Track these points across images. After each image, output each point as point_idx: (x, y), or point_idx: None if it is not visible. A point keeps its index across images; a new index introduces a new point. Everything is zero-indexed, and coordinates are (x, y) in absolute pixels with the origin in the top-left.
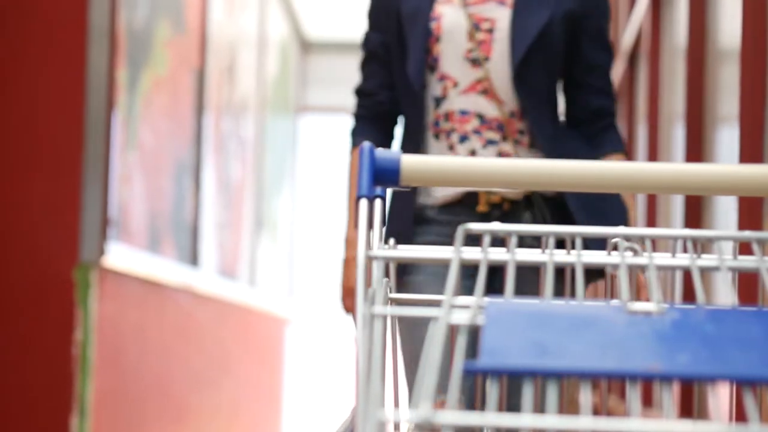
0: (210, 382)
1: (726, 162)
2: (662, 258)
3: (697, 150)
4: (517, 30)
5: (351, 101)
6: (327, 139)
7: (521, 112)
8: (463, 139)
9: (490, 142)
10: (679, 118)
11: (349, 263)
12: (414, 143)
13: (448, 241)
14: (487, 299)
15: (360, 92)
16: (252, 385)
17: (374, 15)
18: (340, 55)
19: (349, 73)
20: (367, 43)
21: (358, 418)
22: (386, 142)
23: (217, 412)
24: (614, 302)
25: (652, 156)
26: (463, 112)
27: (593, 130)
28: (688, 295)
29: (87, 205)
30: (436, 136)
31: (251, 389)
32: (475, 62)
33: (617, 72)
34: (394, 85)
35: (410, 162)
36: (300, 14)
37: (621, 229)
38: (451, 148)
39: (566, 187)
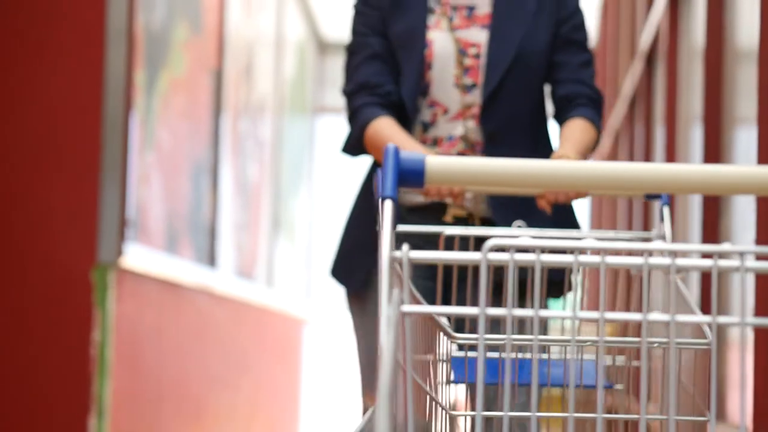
0: (227, 382)
1: (744, 163)
2: (683, 260)
3: (715, 151)
4: (492, 55)
5: None
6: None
7: (497, 138)
8: None
9: None
10: (697, 119)
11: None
12: None
13: (410, 241)
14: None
15: (363, 85)
16: (269, 385)
17: (370, 21)
18: None
19: None
20: (368, 44)
21: (378, 417)
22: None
23: (235, 412)
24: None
25: (670, 157)
26: (451, 138)
27: (564, 117)
28: (704, 302)
29: (105, 206)
30: None
31: (269, 390)
32: (465, 88)
33: (635, 73)
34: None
35: (435, 163)
36: (317, 15)
37: (644, 245)
38: None
39: (588, 189)
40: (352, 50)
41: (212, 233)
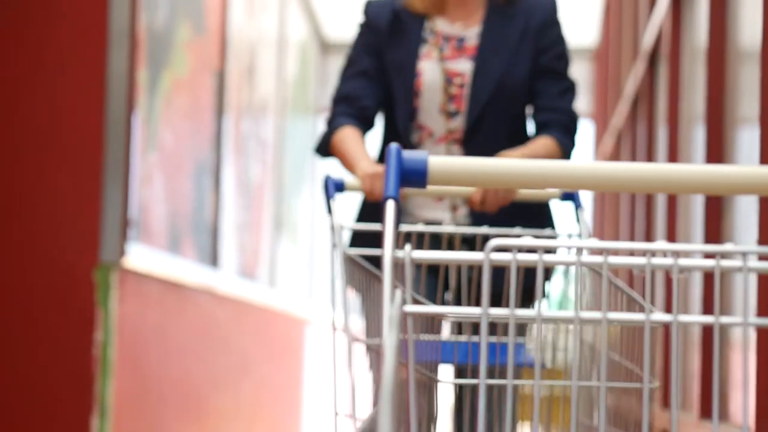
0: (230, 382)
1: (747, 163)
2: (685, 260)
3: (717, 151)
4: (475, 87)
5: None
6: None
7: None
8: None
9: None
10: (700, 119)
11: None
12: None
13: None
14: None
15: (344, 97)
16: (272, 385)
17: (368, 41)
18: None
19: None
20: (360, 61)
21: (381, 415)
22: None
23: (237, 412)
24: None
25: (673, 157)
26: None
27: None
28: (706, 302)
29: (107, 206)
30: None
31: (271, 390)
32: (449, 115)
33: (638, 73)
34: (381, 105)
35: (438, 163)
36: (319, 15)
37: (644, 245)
38: None
39: (591, 188)
40: (347, 63)
41: (215, 233)
